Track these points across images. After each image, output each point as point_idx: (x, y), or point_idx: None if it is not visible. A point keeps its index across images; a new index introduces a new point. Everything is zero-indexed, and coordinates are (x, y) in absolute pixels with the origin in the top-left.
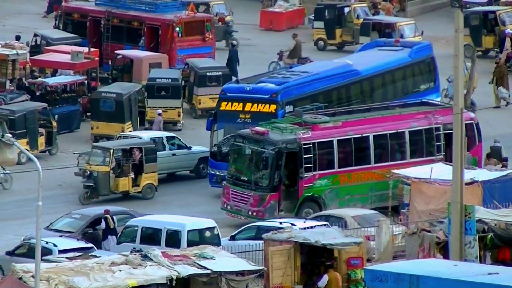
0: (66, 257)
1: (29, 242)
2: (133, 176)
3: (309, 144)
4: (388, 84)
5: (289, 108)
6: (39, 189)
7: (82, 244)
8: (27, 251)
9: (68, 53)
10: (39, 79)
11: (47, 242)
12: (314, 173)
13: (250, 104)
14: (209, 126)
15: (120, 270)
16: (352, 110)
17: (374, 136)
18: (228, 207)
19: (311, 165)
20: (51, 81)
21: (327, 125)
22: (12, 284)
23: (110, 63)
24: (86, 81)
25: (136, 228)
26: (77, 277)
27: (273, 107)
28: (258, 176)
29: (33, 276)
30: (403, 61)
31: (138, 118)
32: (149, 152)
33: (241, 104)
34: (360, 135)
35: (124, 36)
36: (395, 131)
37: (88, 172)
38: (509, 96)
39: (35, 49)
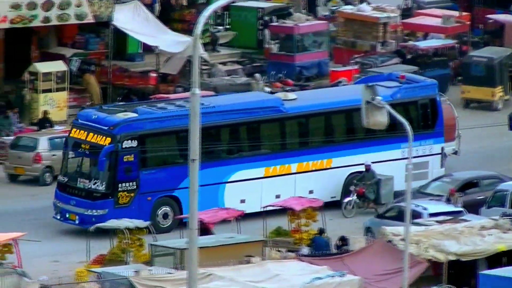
0: (436, 221)
1: (399, 205)
2: None
3: None
4: (338, 125)
5: (129, 143)
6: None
7: (452, 207)
8: (397, 214)
9: (439, 17)
10: (410, 42)
11: (417, 205)
12: None
13: (92, 135)
14: (64, 151)
15: (490, 234)
16: None
17: None
18: None
19: None
20: (422, 44)
21: None
22: (382, 247)
23: (481, 28)
24: (456, 45)
25: (506, 193)
26: (447, 240)
27: (108, 141)
28: None
29: (402, 239)
30: None
31: (509, 83)
32: None
33: (85, 133)
34: None
35: (495, 1)
36: None
37: None
38: None
39: (406, 12)
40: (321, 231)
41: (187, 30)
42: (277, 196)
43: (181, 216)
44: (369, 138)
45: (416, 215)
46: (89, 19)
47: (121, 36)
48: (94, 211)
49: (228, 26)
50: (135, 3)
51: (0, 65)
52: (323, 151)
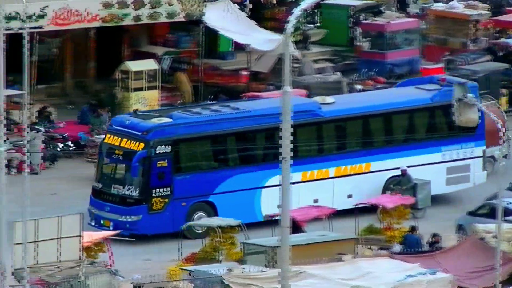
0: None
1: (491, 202)
2: None
3: None
4: (377, 129)
5: (163, 149)
6: None
7: None
8: (488, 212)
9: None
10: (501, 39)
11: (509, 203)
12: None
13: (126, 140)
14: (99, 157)
15: None
16: None
17: None
18: None
19: None
20: None
21: None
22: (474, 244)
23: None
24: None
25: None
26: None
27: (141, 146)
28: None
29: (494, 237)
30: (415, 103)
31: None
32: None
33: (119, 138)
34: None
35: None
36: None
37: None
38: None
39: (497, 10)
40: (413, 229)
41: (278, 28)
42: (315, 201)
43: (273, 214)
44: (409, 142)
45: (508, 212)
46: (180, 18)
47: (212, 35)
48: (128, 217)
49: (319, 24)
50: (226, 1)
51: (91, 64)
52: (361, 155)
